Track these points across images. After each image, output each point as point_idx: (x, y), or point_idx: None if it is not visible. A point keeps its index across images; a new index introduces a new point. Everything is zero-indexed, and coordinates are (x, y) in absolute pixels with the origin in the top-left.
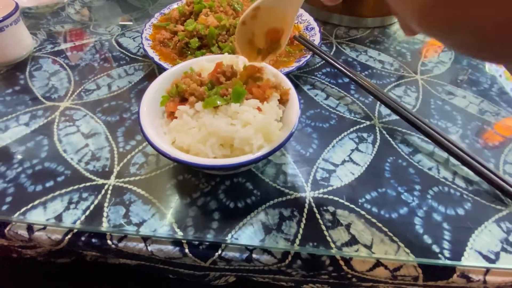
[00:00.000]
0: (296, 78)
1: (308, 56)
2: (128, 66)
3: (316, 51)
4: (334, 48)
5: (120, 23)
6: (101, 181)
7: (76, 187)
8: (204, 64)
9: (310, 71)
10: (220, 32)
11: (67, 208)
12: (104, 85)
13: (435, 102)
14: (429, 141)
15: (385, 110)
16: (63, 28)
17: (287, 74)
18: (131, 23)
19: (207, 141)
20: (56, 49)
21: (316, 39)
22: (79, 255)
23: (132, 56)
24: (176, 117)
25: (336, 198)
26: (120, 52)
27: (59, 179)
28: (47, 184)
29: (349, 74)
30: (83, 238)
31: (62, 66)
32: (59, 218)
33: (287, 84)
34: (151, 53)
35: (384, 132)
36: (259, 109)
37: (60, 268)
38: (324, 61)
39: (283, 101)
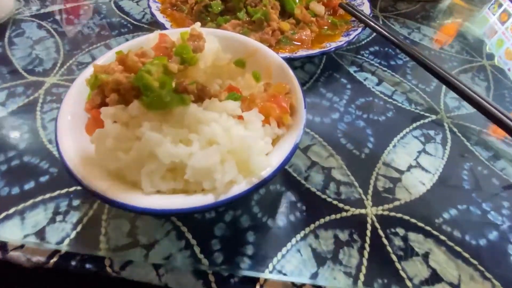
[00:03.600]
0: (338, 57)
1: (359, 29)
2: (131, 35)
3: (369, 23)
4: (380, 23)
5: None
6: None
7: (64, 191)
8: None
9: (354, 49)
10: None
11: (52, 221)
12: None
13: (510, 93)
14: None
15: (452, 102)
16: None
17: (335, 51)
18: None
19: (142, 168)
20: (42, 11)
21: (365, 8)
22: None
23: (135, 23)
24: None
25: (406, 217)
26: (120, 17)
27: (42, 179)
28: (26, 186)
29: (415, 53)
30: (73, 263)
31: (50, 32)
32: (41, 234)
33: (291, 83)
34: (161, 18)
35: (455, 129)
36: (239, 118)
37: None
38: (371, 38)
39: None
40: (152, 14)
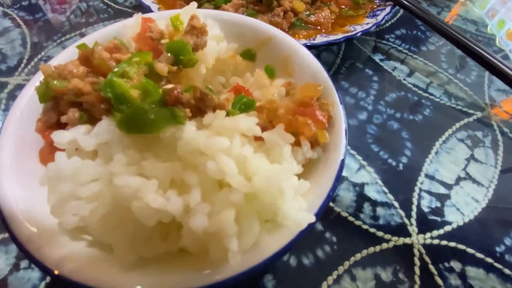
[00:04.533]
0: (360, 42)
1: (388, 8)
2: (112, 22)
3: (401, 1)
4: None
5: None
6: None
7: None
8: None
9: (377, 33)
10: None
11: (15, 268)
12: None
13: None
14: None
15: (499, 95)
16: None
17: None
18: None
19: (117, 226)
20: None
21: None
22: None
23: (117, 7)
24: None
25: (461, 246)
26: (100, 1)
27: None
28: None
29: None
30: None
31: (15, 21)
32: (2, 286)
33: (325, 82)
34: (147, 0)
35: (506, 129)
36: (257, 139)
37: None
38: (396, 19)
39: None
40: None
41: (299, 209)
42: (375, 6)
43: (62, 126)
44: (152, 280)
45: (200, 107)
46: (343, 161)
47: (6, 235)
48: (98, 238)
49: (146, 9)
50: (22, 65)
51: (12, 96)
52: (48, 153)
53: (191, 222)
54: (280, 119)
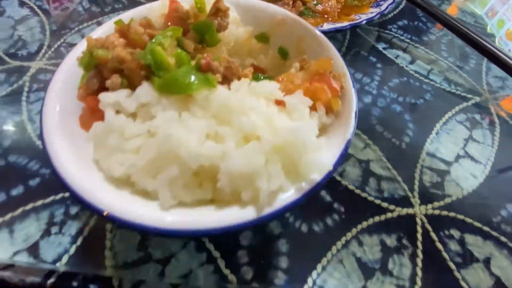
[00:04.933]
0: (364, 32)
1: None
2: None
3: None
4: None
5: None
6: None
7: (59, 196)
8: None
9: (380, 23)
10: None
11: (46, 233)
12: None
13: None
14: None
15: (495, 81)
16: None
17: (364, 25)
18: None
19: (159, 171)
20: None
21: None
22: None
23: None
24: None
25: (460, 216)
26: None
27: (32, 182)
28: (14, 192)
29: (456, 25)
30: (75, 283)
31: (33, 10)
32: (35, 249)
33: (336, 59)
34: None
35: (503, 112)
36: (279, 103)
37: None
38: (398, 11)
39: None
40: None
41: (319, 159)
42: None
43: (103, 91)
44: (192, 218)
45: (227, 75)
46: (354, 126)
47: (39, 202)
48: (142, 186)
49: None
50: (43, 50)
51: (34, 79)
52: (88, 118)
53: (229, 164)
54: (298, 87)
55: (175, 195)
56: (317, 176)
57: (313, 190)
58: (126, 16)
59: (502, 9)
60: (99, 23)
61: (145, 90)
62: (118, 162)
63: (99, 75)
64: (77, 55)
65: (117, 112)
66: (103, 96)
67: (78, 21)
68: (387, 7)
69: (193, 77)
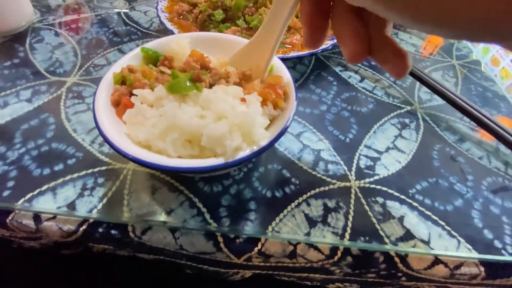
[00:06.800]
0: (326, 58)
1: None
2: (141, 41)
3: None
4: None
5: None
6: (118, 165)
7: (90, 171)
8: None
9: (339, 52)
10: (247, 3)
11: (80, 195)
12: (116, 60)
13: (476, 88)
14: (476, 129)
15: (425, 95)
16: (64, 2)
17: (322, 52)
18: None
19: (167, 136)
20: (58, 21)
21: None
22: (86, 247)
23: (144, 30)
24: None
25: (384, 188)
26: (131, 26)
27: (69, 162)
28: (56, 168)
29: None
30: (100, 230)
31: (67, 39)
32: (72, 206)
33: (285, 76)
34: (170, 26)
35: (427, 118)
36: (242, 100)
37: (63, 259)
38: None
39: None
40: (162, 23)
41: (263, 133)
42: None
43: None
44: (186, 162)
45: (211, 82)
46: (292, 115)
47: (75, 175)
48: (156, 147)
49: (168, 32)
50: (76, 69)
51: (69, 90)
52: (122, 109)
53: (207, 130)
54: (255, 91)
55: (176, 151)
56: (263, 142)
57: (260, 150)
58: (149, 45)
59: None
60: (119, 50)
61: (160, 90)
62: (142, 132)
63: (125, 86)
64: (111, 74)
65: (142, 102)
66: (136, 92)
67: (102, 48)
68: (322, 49)
69: (188, 83)
